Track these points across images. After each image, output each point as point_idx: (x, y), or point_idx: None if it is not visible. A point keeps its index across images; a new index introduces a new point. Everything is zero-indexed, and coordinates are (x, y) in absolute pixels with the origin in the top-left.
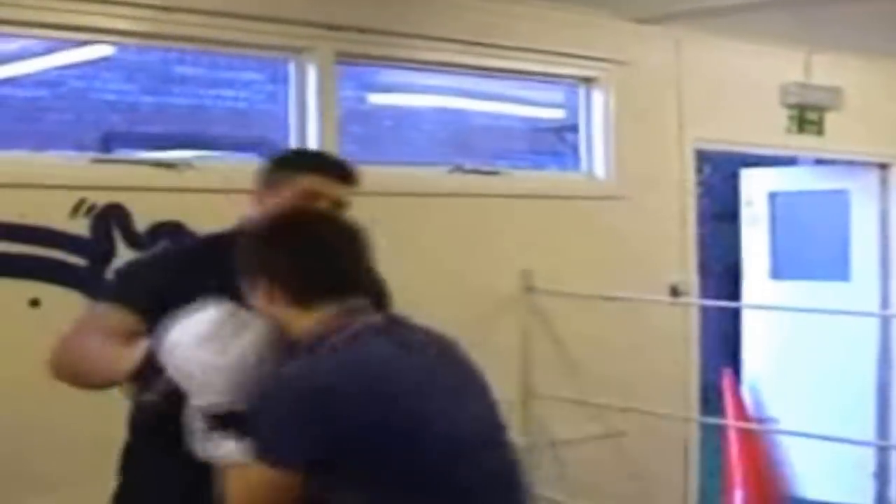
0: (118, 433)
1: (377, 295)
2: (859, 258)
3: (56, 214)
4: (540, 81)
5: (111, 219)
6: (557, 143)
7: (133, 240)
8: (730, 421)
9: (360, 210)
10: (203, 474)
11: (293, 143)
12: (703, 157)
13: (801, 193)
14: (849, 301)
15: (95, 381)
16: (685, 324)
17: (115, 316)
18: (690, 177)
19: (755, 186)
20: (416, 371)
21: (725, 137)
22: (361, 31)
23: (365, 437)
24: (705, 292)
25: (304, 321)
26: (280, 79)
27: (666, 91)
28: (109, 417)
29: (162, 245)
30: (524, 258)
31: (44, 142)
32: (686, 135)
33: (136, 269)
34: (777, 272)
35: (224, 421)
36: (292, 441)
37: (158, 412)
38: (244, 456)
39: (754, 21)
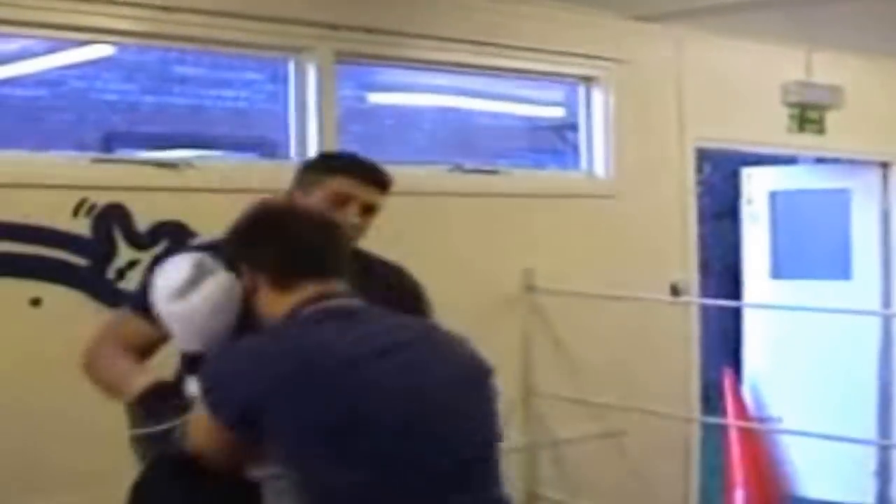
0: (116, 434)
1: (411, 298)
2: (860, 257)
3: (57, 214)
4: (540, 80)
5: (112, 219)
6: (558, 142)
7: (134, 240)
8: (730, 420)
9: None
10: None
11: (293, 143)
12: (703, 156)
13: (801, 192)
14: (850, 300)
15: (109, 395)
16: (686, 323)
17: (133, 323)
18: (691, 176)
19: (756, 185)
20: (352, 359)
21: (726, 136)
22: (361, 30)
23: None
24: (706, 291)
25: (284, 303)
26: (280, 79)
27: (666, 90)
28: (109, 416)
29: (185, 246)
30: (525, 257)
31: (44, 142)
32: (686, 133)
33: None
34: (778, 271)
35: (193, 363)
36: (225, 397)
37: (169, 440)
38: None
39: (755, 20)
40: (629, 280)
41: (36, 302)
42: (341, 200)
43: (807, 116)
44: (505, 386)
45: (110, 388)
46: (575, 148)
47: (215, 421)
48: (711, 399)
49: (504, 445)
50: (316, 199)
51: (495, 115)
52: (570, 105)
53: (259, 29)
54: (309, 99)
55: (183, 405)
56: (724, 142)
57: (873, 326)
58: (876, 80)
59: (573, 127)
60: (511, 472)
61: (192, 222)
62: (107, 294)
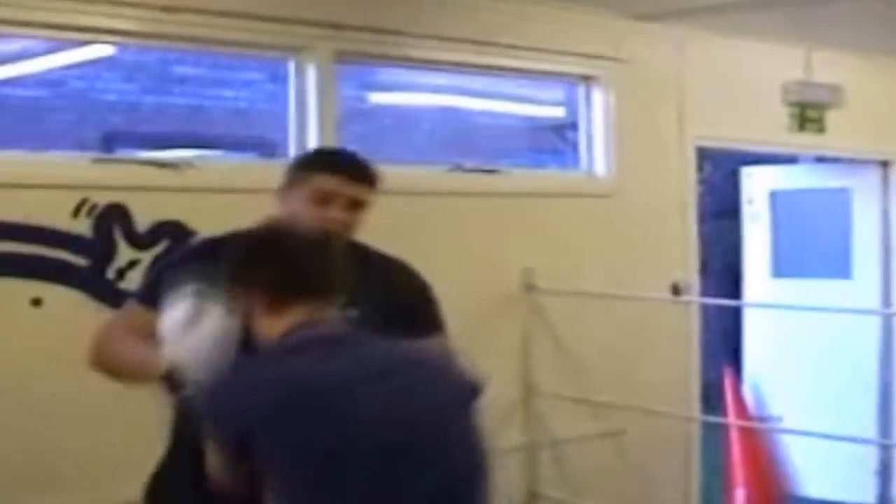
0: (116, 434)
1: (420, 300)
2: (861, 256)
3: (58, 214)
4: (540, 79)
5: (112, 219)
6: (557, 142)
7: (134, 239)
8: (731, 419)
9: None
10: None
11: (293, 143)
12: (703, 155)
13: (802, 191)
14: (850, 299)
15: (128, 378)
16: (686, 322)
17: (141, 314)
18: (691, 175)
19: (756, 184)
20: (340, 387)
21: (726, 135)
22: (361, 30)
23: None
24: (706, 290)
25: (278, 326)
26: (280, 79)
27: (666, 89)
28: (108, 418)
29: (191, 242)
30: (525, 256)
31: (45, 142)
32: (686, 133)
33: (162, 268)
34: (778, 270)
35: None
36: (224, 426)
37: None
38: None
39: (755, 19)
40: (629, 279)
41: (37, 302)
42: (324, 198)
43: (807, 115)
44: (505, 386)
45: (132, 366)
46: (575, 147)
47: (221, 450)
48: (712, 398)
49: (504, 445)
50: (301, 195)
51: (495, 115)
52: (570, 104)
53: (259, 29)
54: (309, 99)
55: None
56: (724, 141)
57: (874, 326)
58: (876, 79)
59: (573, 126)
60: (511, 472)
61: (192, 222)
62: (107, 294)
